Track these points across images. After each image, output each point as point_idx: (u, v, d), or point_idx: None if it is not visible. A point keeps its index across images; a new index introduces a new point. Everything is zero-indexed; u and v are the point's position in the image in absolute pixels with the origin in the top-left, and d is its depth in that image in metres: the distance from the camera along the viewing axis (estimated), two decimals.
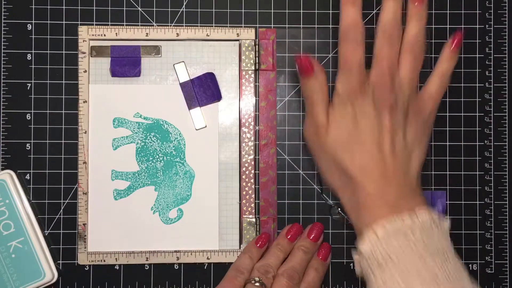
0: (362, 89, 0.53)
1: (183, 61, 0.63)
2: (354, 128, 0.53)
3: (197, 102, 0.63)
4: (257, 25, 0.64)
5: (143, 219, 0.63)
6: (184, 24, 0.64)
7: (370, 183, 0.51)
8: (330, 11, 0.65)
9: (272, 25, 0.64)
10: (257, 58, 0.63)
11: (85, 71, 0.62)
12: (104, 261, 0.62)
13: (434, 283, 0.45)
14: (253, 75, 0.63)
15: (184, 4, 0.64)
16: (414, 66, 0.54)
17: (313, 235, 0.61)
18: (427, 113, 0.55)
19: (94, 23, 0.63)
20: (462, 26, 0.65)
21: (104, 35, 0.62)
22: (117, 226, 0.62)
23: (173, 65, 0.63)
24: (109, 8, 0.63)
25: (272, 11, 0.64)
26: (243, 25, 0.64)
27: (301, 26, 0.64)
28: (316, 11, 0.65)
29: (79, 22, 0.63)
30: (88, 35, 0.62)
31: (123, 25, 0.63)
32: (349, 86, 0.53)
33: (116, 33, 0.62)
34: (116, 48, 0.63)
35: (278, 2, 0.64)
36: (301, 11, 0.65)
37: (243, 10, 0.64)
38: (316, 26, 0.65)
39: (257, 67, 0.63)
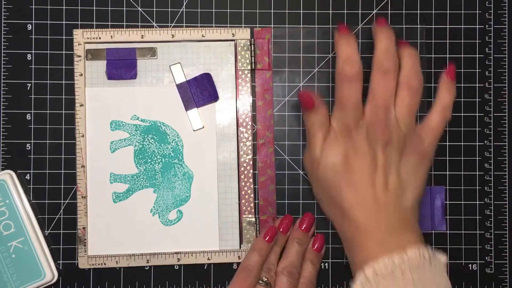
0: (357, 125, 0.54)
1: (179, 62, 0.63)
2: (346, 163, 0.54)
3: (194, 103, 0.63)
4: (257, 25, 0.64)
5: (143, 221, 0.63)
6: (184, 24, 0.64)
7: (361, 217, 0.52)
8: (330, 11, 0.64)
9: (272, 26, 0.64)
10: (253, 57, 0.63)
11: (81, 75, 0.62)
12: (105, 264, 0.62)
13: None
14: (249, 75, 0.63)
15: (184, 4, 0.64)
16: (411, 101, 0.54)
17: (304, 226, 0.62)
18: (426, 145, 0.55)
19: (94, 23, 0.63)
20: (462, 26, 0.64)
21: (99, 38, 0.62)
22: (117, 229, 0.63)
23: (169, 66, 0.63)
24: (109, 8, 0.63)
25: (272, 11, 0.64)
26: (243, 25, 0.64)
27: (301, 26, 0.64)
28: (316, 11, 0.64)
29: (79, 22, 0.63)
30: (83, 38, 0.62)
31: (122, 26, 0.63)
32: (344, 123, 0.54)
33: (111, 36, 0.62)
34: (112, 50, 0.62)
35: (277, 2, 0.64)
36: (301, 11, 0.64)
37: (243, 10, 0.64)
38: (316, 26, 0.64)
39: (253, 66, 0.63)
